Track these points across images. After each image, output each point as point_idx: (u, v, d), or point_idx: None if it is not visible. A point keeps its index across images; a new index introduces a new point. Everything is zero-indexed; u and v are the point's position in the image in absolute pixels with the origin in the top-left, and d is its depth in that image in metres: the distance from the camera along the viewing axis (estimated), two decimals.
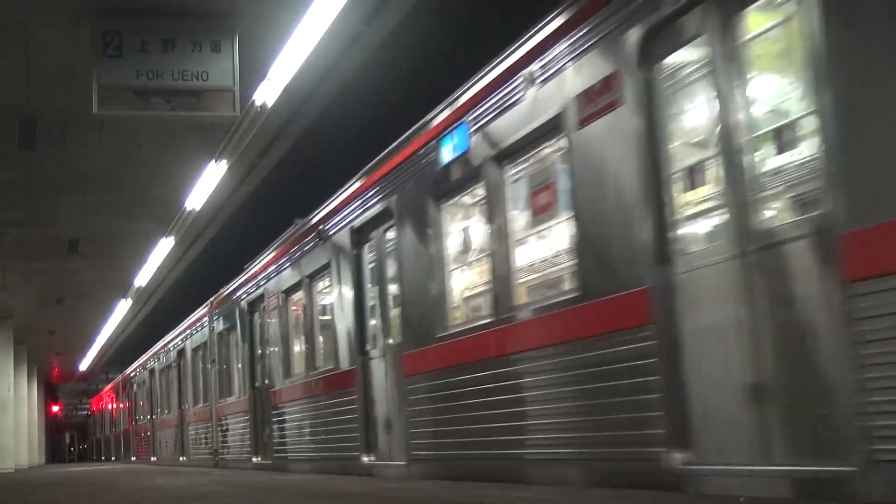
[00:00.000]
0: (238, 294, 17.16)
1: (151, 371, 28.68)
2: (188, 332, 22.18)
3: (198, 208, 15.25)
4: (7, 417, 26.48)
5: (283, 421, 14.12)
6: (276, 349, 14.74)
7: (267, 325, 15.37)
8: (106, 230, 16.84)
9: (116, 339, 33.85)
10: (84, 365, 41.53)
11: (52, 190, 14.15)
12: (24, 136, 11.57)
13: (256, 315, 16.10)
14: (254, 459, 15.94)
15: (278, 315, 14.58)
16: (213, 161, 13.03)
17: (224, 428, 18.40)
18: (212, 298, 19.18)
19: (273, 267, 14.76)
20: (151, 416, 29.06)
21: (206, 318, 19.68)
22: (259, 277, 15.71)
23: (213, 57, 8.64)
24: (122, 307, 25.49)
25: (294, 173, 14.99)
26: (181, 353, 23.24)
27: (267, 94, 10.36)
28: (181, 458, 23.08)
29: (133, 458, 33.48)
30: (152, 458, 28.46)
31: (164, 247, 18.09)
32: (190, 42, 8.59)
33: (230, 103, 8.71)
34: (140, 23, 8.48)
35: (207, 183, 13.95)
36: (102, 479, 15.29)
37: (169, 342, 25.41)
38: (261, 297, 15.63)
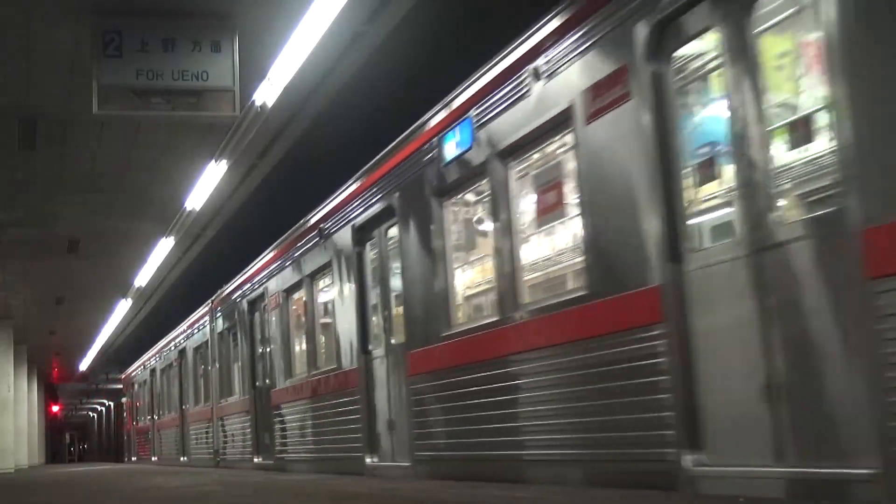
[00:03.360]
0: None
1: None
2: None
3: (198, 208, 15.24)
4: (7, 418, 26.47)
5: None
6: None
7: None
8: (106, 230, 16.83)
9: (116, 339, 33.83)
10: (84, 365, 41.52)
11: (52, 190, 14.15)
12: (24, 136, 11.57)
13: None
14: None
15: None
16: (213, 161, 13.03)
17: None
18: None
19: None
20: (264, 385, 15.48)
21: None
22: None
23: (213, 57, 8.64)
24: (122, 307, 25.47)
25: (294, 173, 14.92)
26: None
27: (267, 94, 10.36)
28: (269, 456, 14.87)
29: (241, 457, 17.14)
30: (256, 459, 15.94)
31: (164, 247, 18.09)
32: (190, 42, 8.60)
33: (230, 103, 8.71)
34: (140, 23, 8.48)
35: (207, 183, 13.94)
36: (107, 479, 15.27)
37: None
38: None
